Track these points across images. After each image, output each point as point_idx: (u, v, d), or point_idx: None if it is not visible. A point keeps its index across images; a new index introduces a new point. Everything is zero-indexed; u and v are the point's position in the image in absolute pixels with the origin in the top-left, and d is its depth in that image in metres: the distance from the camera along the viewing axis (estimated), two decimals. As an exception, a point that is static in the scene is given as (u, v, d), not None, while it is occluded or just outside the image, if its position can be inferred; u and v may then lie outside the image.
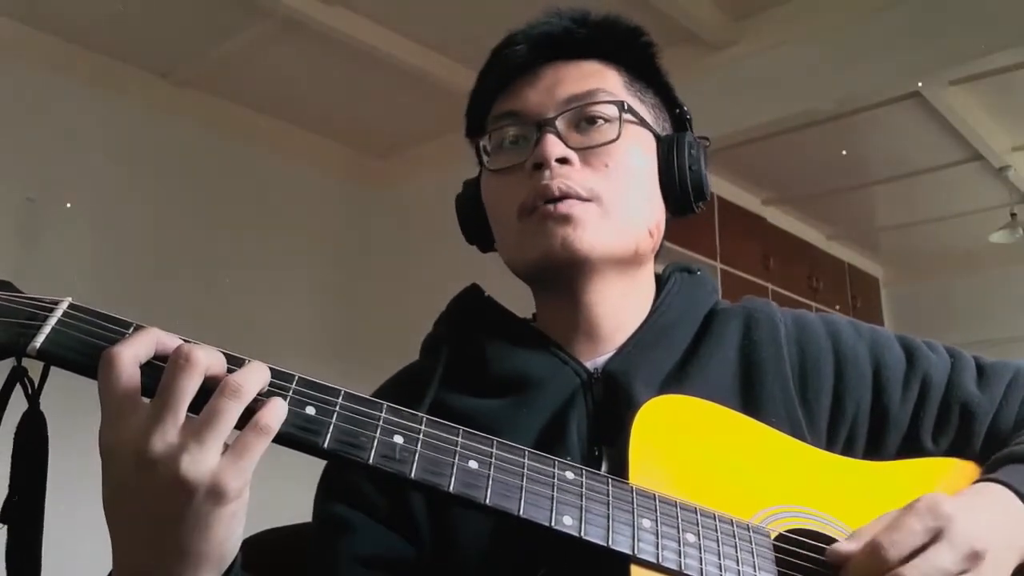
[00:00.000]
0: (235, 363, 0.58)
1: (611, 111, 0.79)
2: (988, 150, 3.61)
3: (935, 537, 0.63)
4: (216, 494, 0.53)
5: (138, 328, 0.58)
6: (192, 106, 3.45)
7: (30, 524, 0.59)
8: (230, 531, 0.56)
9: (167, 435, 0.53)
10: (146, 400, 0.55)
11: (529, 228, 0.78)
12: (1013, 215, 4.04)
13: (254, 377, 0.56)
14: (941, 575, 0.61)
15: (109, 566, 0.57)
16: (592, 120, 0.79)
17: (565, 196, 0.76)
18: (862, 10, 2.82)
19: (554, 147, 0.77)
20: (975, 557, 0.63)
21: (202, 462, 0.52)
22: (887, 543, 0.62)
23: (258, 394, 0.56)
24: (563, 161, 0.77)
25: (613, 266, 0.79)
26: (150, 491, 0.53)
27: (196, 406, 0.55)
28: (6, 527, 0.58)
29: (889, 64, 2.83)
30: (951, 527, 0.63)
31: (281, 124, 3.73)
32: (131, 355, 0.55)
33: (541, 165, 0.77)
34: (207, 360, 0.55)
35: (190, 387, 0.54)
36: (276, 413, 0.56)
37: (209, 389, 0.55)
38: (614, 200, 0.77)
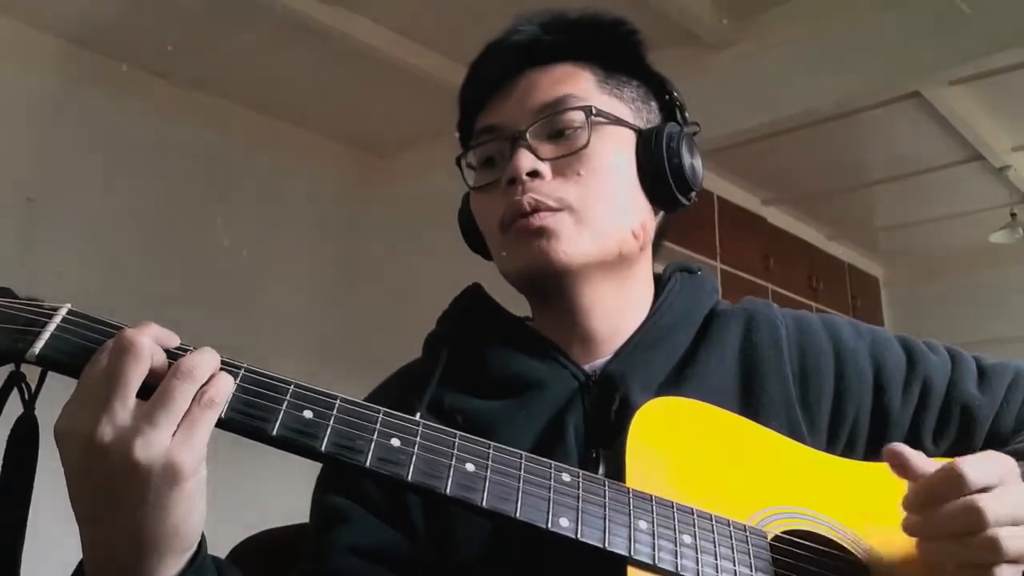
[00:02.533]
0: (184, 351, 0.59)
1: (580, 117, 0.79)
2: (988, 150, 3.61)
3: (1004, 480, 0.61)
4: (172, 472, 0.54)
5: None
6: (192, 106, 3.45)
7: (12, 528, 0.59)
8: (189, 509, 0.56)
9: (116, 419, 0.53)
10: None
11: (508, 243, 0.79)
12: (1013, 215, 4.04)
13: (206, 360, 0.57)
14: (1016, 517, 0.59)
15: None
16: (562, 128, 0.79)
17: (536, 209, 0.76)
18: (862, 10, 2.82)
19: (524, 161, 0.77)
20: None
21: (155, 443, 0.53)
22: (966, 470, 0.60)
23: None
24: (534, 174, 0.77)
25: (598, 271, 0.79)
26: (102, 476, 0.53)
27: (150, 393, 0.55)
28: None
29: (889, 64, 2.83)
30: (1009, 485, 0.61)
31: (281, 124, 3.73)
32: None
33: (514, 180, 0.77)
34: (151, 345, 0.56)
35: (135, 370, 0.54)
36: (222, 388, 0.56)
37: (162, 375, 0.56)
38: (587, 207, 0.77)
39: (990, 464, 0.62)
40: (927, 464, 0.63)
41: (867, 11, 2.81)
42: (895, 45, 2.77)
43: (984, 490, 0.60)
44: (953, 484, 0.60)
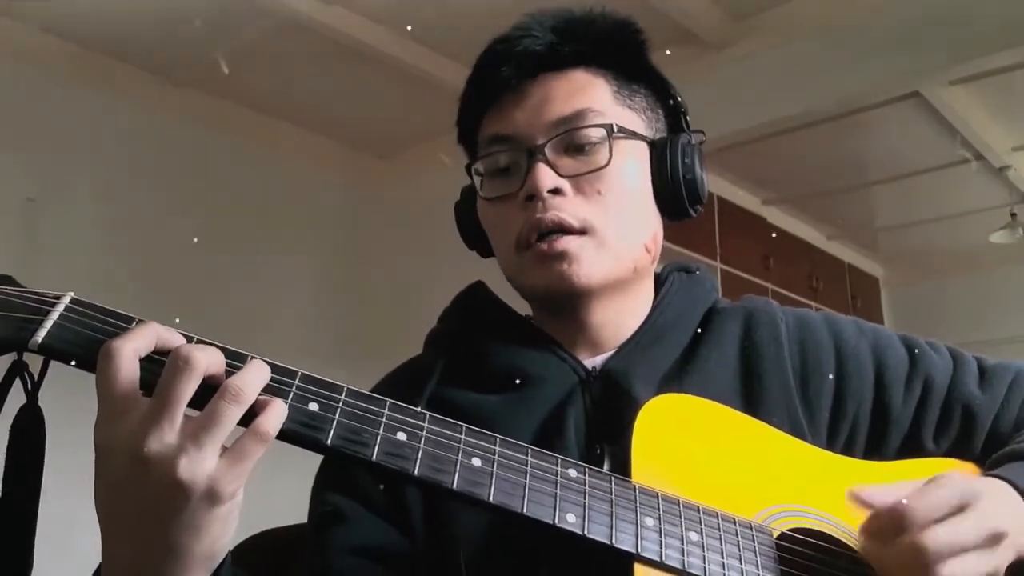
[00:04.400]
0: (235, 360, 0.57)
1: (600, 133, 0.78)
2: (988, 150, 3.60)
3: (961, 509, 0.62)
4: (212, 496, 0.53)
5: (139, 323, 0.58)
6: (192, 106, 3.45)
7: (21, 519, 0.58)
8: (223, 531, 0.56)
9: (164, 436, 0.53)
10: (143, 397, 0.54)
11: (526, 262, 0.78)
12: (1013, 215, 4.04)
13: (254, 378, 0.56)
14: (960, 547, 0.61)
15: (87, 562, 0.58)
16: (582, 144, 0.78)
17: (558, 229, 0.75)
18: (862, 10, 2.82)
19: (545, 179, 0.76)
20: (996, 538, 0.63)
21: (199, 465, 0.53)
22: (914, 505, 0.62)
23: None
24: (555, 191, 0.76)
25: (612, 288, 0.79)
26: (144, 490, 0.53)
27: (196, 403, 0.55)
28: None
29: (889, 64, 2.83)
30: (978, 503, 0.63)
31: (281, 124, 3.73)
32: (131, 349, 0.54)
33: (533, 197, 0.76)
34: (207, 361, 0.54)
35: (188, 389, 0.54)
36: (275, 418, 0.56)
37: (209, 386, 0.55)
38: (608, 228, 0.77)
39: (945, 492, 0.63)
40: (885, 495, 0.64)
41: (867, 11, 2.81)
42: (895, 45, 2.77)
43: (939, 519, 0.62)
44: (901, 520, 0.62)
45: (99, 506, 0.55)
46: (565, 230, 0.76)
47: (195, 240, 2.98)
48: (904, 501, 0.62)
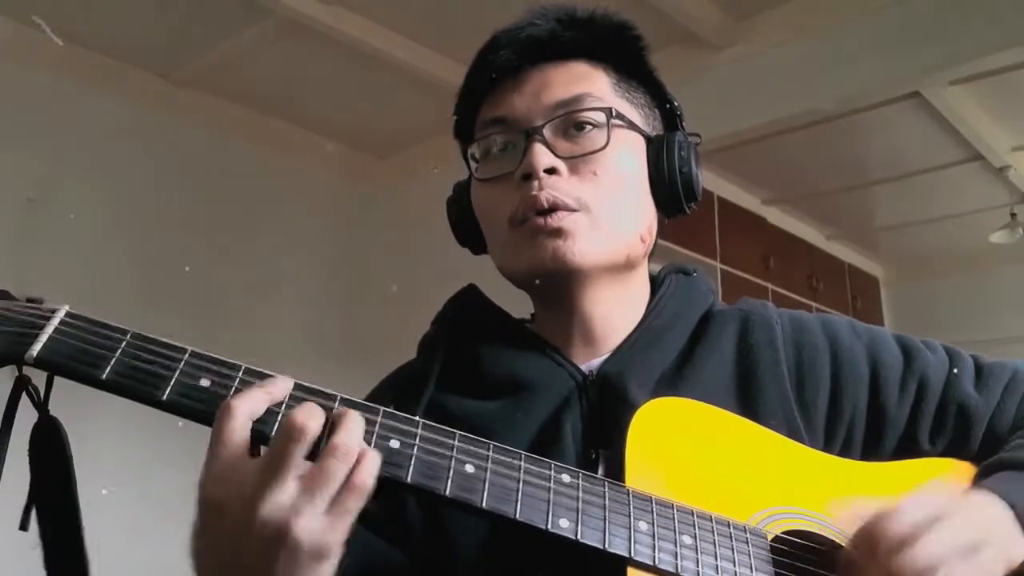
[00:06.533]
0: (327, 399, 0.59)
1: (599, 117, 0.78)
2: (988, 150, 3.60)
3: (933, 523, 0.63)
4: (320, 554, 0.55)
5: (269, 380, 0.59)
6: (192, 106, 3.45)
7: (67, 533, 0.59)
8: None
9: (279, 497, 0.54)
10: (251, 457, 0.56)
11: (520, 239, 0.78)
12: (1013, 215, 4.04)
13: (356, 432, 0.57)
14: (936, 561, 0.61)
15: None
16: (580, 127, 0.78)
17: (554, 208, 0.75)
18: (862, 10, 2.82)
19: (542, 157, 0.76)
20: (973, 549, 0.63)
21: (314, 522, 0.54)
22: (887, 528, 0.62)
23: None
24: (551, 171, 0.76)
25: (605, 274, 0.79)
26: (256, 546, 0.54)
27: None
28: (42, 542, 0.59)
29: (889, 64, 2.83)
30: (951, 516, 0.63)
31: (281, 124, 3.73)
32: (247, 410, 0.56)
33: (530, 176, 0.76)
34: (317, 427, 0.56)
35: (301, 455, 0.55)
36: (370, 470, 0.57)
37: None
38: (603, 209, 0.77)
39: (919, 511, 0.63)
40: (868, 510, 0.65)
41: (867, 11, 2.81)
42: (895, 45, 2.77)
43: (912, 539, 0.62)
44: (876, 543, 0.62)
45: (199, 556, 0.56)
46: (560, 209, 0.76)
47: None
48: (878, 523, 0.63)
